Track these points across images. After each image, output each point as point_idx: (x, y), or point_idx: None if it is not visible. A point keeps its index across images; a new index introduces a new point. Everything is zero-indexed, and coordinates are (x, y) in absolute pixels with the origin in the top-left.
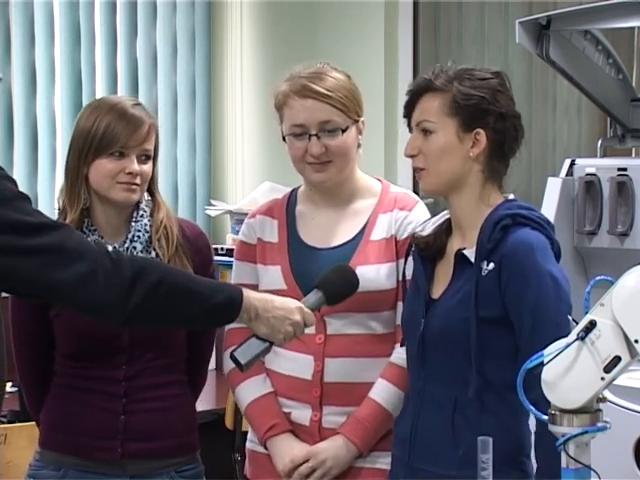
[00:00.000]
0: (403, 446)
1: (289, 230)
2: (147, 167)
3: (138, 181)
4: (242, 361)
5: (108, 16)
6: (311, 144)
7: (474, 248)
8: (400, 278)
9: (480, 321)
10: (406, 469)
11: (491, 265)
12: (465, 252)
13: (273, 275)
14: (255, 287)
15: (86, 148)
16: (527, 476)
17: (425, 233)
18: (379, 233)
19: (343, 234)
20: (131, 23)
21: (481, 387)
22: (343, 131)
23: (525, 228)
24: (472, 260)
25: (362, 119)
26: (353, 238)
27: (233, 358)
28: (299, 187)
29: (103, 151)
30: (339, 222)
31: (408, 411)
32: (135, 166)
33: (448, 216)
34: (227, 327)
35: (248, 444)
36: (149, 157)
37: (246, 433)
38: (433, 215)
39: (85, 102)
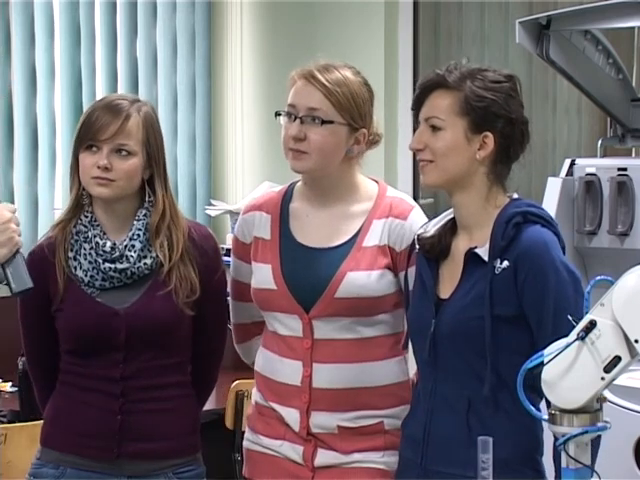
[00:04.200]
0: (415, 448)
1: (281, 227)
2: (126, 164)
3: (110, 176)
4: (29, 284)
5: (108, 16)
6: (293, 125)
7: (486, 247)
8: (403, 287)
9: (494, 319)
10: (419, 470)
11: (505, 263)
12: (477, 251)
13: (263, 273)
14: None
15: (73, 144)
16: (541, 475)
17: (429, 234)
18: (372, 240)
19: (336, 237)
20: (131, 23)
21: (496, 385)
22: (324, 122)
23: (536, 226)
24: (485, 259)
25: (364, 131)
26: (346, 242)
27: (18, 293)
28: (297, 182)
29: (80, 145)
30: (333, 224)
31: (419, 412)
32: (103, 160)
33: (451, 216)
34: (233, 321)
35: (245, 443)
36: (130, 153)
37: None
38: (434, 216)
39: (85, 102)
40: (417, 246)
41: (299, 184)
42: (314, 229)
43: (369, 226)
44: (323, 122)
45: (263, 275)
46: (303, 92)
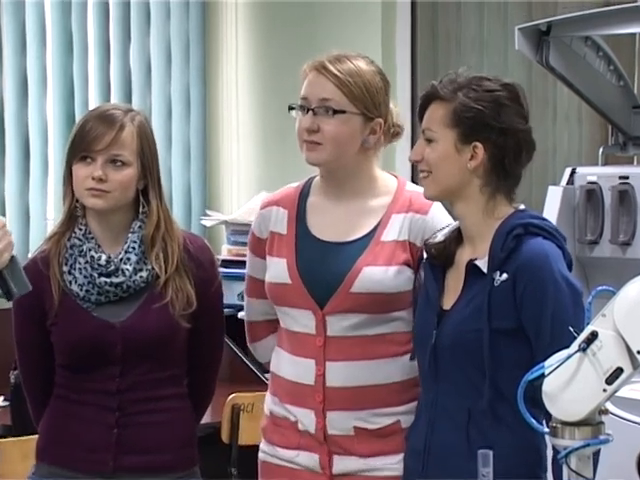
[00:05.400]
0: (417, 458)
1: (298, 222)
2: (121, 174)
3: (105, 187)
4: (29, 287)
5: (101, 23)
6: (305, 117)
7: (486, 258)
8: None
9: (493, 332)
10: None
11: (504, 276)
12: (477, 262)
13: (278, 268)
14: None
15: (66, 155)
16: None
17: (437, 240)
18: (391, 235)
19: (354, 231)
20: (124, 31)
21: (494, 398)
22: (336, 112)
23: (538, 238)
24: (484, 270)
25: (379, 120)
26: (364, 237)
27: (16, 295)
28: (315, 177)
29: (73, 156)
30: (351, 218)
31: (421, 423)
32: (97, 171)
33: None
34: (246, 319)
35: (261, 455)
36: (125, 163)
37: (243, 447)
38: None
39: (77, 111)
40: (424, 252)
41: (317, 179)
42: (331, 223)
43: (388, 220)
44: (335, 112)
45: (278, 269)
46: (315, 84)
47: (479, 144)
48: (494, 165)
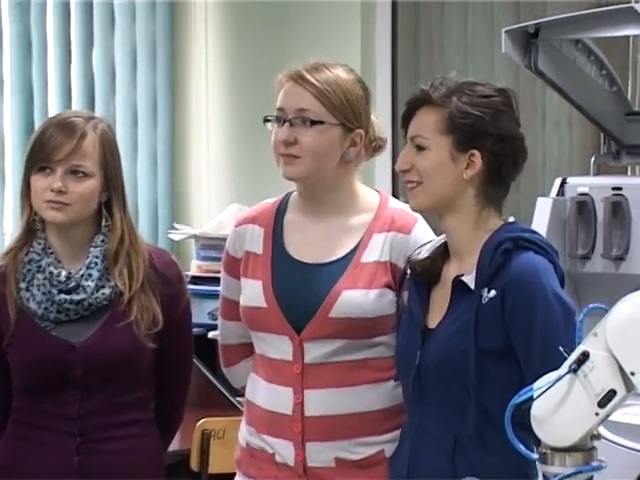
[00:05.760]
0: None
1: (274, 241)
2: (82, 186)
3: (65, 200)
4: None
5: (61, 25)
6: (281, 129)
7: (473, 274)
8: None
9: (480, 352)
10: None
11: (492, 292)
12: (464, 279)
13: (253, 290)
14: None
15: (24, 165)
16: None
17: (421, 257)
18: (372, 255)
19: (333, 251)
20: (87, 32)
21: (481, 423)
22: (314, 123)
23: (528, 252)
24: (471, 287)
25: (360, 131)
26: (343, 257)
27: None
28: (293, 192)
29: (32, 167)
30: (330, 237)
31: (404, 449)
32: (56, 183)
33: (444, 240)
34: (220, 342)
35: None
36: (86, 174)
37: (213, 476)
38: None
39: (37, 118)
40: (408, 269)
41: (295, 194)
42: (309, 243)
43: (368, 240)
44: (313, 123)
45: (253, 292)
46: (292, 94)
47: (476, 152)
48: (490, 174)
